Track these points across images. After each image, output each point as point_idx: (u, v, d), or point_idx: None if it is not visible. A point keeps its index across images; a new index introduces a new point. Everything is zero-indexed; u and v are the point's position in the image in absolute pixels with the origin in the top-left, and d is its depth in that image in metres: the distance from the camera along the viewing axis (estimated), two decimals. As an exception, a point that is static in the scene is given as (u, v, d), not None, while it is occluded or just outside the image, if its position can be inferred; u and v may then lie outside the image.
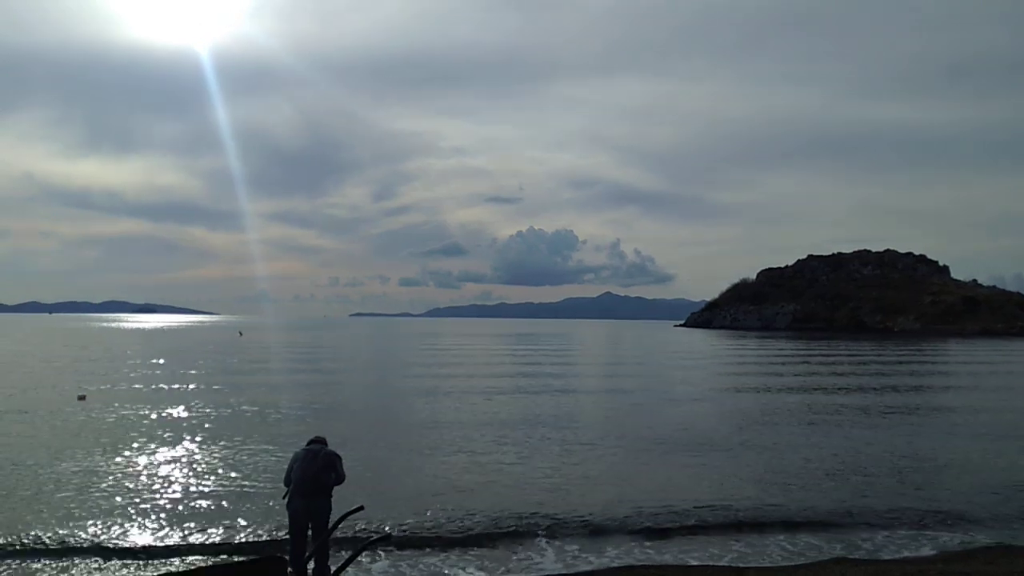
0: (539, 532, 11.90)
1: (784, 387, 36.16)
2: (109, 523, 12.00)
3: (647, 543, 11.57)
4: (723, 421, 24.09)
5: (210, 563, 10.32)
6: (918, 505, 13.82)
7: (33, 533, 11.44)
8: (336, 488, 9.29)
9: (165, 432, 20.61)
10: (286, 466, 9.40)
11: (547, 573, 10.43)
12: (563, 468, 16.56)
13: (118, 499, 13.45)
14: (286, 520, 9.15)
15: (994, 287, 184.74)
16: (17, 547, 10.87)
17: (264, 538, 11.38)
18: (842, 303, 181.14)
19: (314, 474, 9.01)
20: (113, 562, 10.43)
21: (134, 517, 12.37)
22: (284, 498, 9.12)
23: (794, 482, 15.53)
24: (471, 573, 10.38)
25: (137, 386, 32.86)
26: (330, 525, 9.19)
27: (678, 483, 15.35)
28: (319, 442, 9.52)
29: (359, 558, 9.79)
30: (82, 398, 27.36)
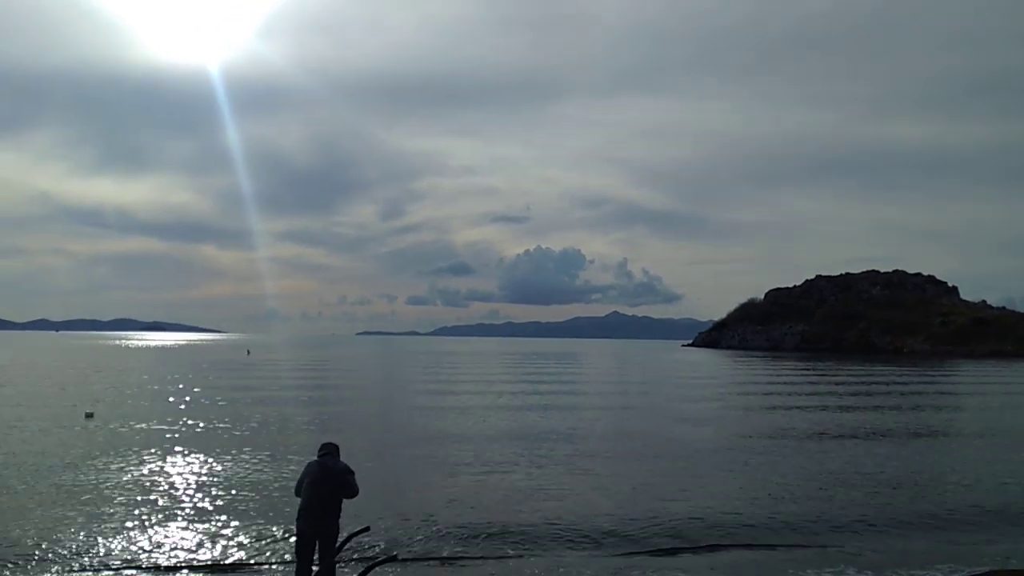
0: (549, 556, 11.82)
1: (812, 429, 35.79)
2: (112, 540, 12.03)
3: (662, 564, 11.47)
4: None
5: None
6: (924, 534, 13.75)
7: (34, 549, 11.46)
8: (346, 504, 9.28)
9: (171, 450, 20.65)
10: (299, 475, 9.37)
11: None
12: (572, 491, 16.49)
13: (122, 516, 13.47)
14: (292, 539, 9.14)
15: (1004, 308, 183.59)
16: (19, 563, 10.89)
17: (269, 557, 11.37)
18: (851, 324, 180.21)
19: (324, 496, 8.99)
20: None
21: (137, 535, 12.39)
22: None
23: (800, 508, 15.44)
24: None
25: (144, 404, 32.95)
26: (336, 545, 9.19)
27: (695, 509, 15.27)
28: (330, 451, 9.49)
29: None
30: (89, 415, 27.44)
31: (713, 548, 12.39)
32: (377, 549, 11.56)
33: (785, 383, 57.11)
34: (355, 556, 11.08)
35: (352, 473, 9.26)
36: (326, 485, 9.01)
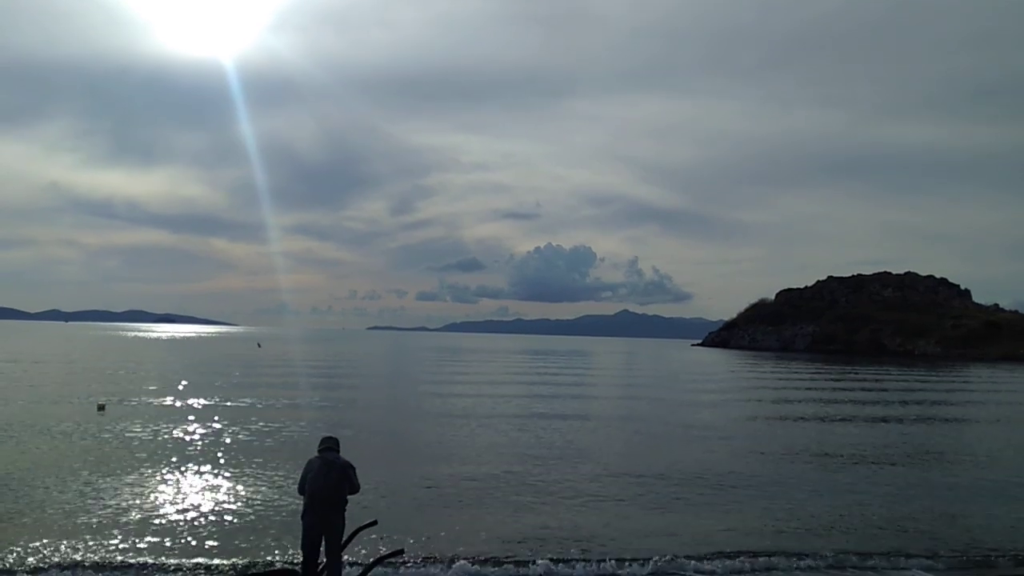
0: (551, 551, 11.84)
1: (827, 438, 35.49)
2: (121, 535, 12.09)
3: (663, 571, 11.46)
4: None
5: None
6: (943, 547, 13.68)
7: (44, 546, 11.55)
8: (350, 498, 9.35)
9: (181, 443, 20.80)
10: (300, 473, 9.47)
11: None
12: (581, 492, 16.47)
13: (131, 511, 13.57)
14: (299, 534, 9.21)
15: (1016, 311, 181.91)
16: (28, 562, 10.97)
17: (277, 552, 11.43)
18: (862, 325, 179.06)
19: (329, 489, 9.06)
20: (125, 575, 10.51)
21: (145, 529, 12.47)
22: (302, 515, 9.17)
23: (810, 525, 15.39)
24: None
25: (156, 396, 33.14)
26: (343, 539, 9.25)
27: (698, 520, 15.24)
28: (331, 446, 9.53)
29: (372, 572, 9.83)
30: (101, 407, 27.62)
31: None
32: (384, 543, 11.60)
33: (806, 388, 56.89)
34: (362, 550, 11.13)
35: (353, 468, 9.34)
36: (329, 479, 9.09)
